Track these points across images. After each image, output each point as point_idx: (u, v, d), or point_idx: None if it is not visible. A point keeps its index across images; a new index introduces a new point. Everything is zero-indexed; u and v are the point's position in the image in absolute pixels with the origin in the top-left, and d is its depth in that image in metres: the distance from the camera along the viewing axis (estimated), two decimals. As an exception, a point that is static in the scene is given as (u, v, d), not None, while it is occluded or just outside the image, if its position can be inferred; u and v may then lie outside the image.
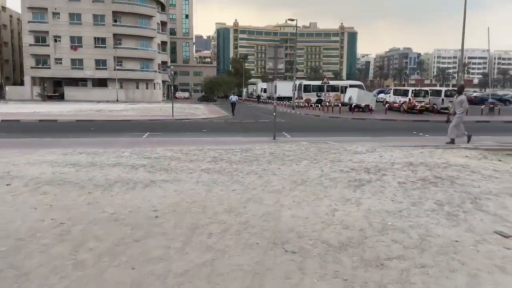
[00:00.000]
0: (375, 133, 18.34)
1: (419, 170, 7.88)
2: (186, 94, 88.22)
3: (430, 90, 33.94)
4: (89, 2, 64.88)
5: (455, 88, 35.57)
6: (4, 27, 76.56)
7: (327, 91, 43.31)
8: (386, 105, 33.03)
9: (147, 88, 71.30)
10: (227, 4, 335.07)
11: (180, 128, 20.34)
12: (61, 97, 66.11)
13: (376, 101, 36.08)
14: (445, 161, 8.98)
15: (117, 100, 63.85)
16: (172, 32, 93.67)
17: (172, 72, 25.26)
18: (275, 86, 14.42)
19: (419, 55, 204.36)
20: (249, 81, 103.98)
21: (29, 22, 63.98)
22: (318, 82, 47.86)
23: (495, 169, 8.01)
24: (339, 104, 35.34)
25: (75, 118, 24.90)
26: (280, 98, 60.30)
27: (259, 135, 16.84)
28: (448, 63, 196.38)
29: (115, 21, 66.79)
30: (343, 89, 45.04)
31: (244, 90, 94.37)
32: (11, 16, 79.25)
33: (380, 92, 52.20)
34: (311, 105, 40.72)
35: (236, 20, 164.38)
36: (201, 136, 16.58)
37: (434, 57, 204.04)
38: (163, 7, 76.48)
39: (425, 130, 19.79)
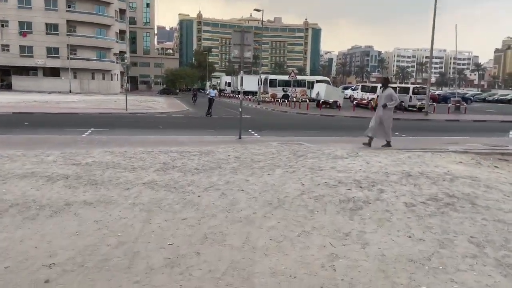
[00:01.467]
0: (347, 131, 16.89)
1: (423, 184, 6.28)
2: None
3: (398, 87, 33.18)
4: (39, -15, 60.03)
5: (424, 86, 35.37)
6: None
7: (294, 86, 41.83)
8: (354, 102, 31.97)
9: (103, 79, 67.18)
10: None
11: (132, 124, 18.01)
12: (8, 87, 60.94)
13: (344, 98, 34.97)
14: (446, 170, 7.46)
15: (70, 91, 59.68)
16: (132, 21, 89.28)
17: (126, 61, 22.70)
18: (241, 78, 12.50)
19: (379, 53, 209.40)
20: (213, 74, 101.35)
21: (-29, 4, 58.34)
22: (285, 77, 46.35)
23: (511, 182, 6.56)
24: (306, 100, 33.96)
25: (13, 110, 21.85)
26: (245, 93, 58.55)
27: (223, 133, 14.91)
28: (407, 61, 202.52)
29: (69, 6, 62.21)
30: (310, 85, 43.83)
31: (208, 83, 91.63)
32: (-49, -4, 72.21)
33: (344, 88, 51.52)
34: (277, 101, 39.16)
35: (200, 12, 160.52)
36: (155, 133, 14.41)
37: (394, 56, 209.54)
38: (122, -6, 72.34)
39: (395, 129, 18.59)
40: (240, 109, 13.12)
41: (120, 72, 70.64)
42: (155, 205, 4.95)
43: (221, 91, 72.00)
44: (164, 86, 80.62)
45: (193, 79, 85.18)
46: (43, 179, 5.97)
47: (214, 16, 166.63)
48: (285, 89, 42.79)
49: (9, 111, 21.25)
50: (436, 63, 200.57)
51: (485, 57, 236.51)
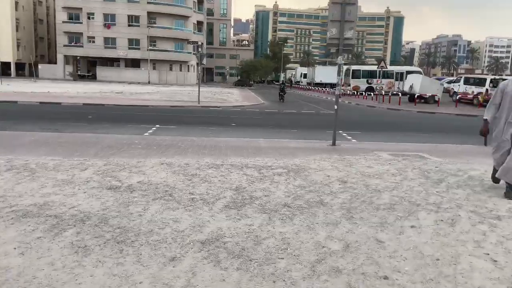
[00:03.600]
0: (465, 135, 13.24)
1: None
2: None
3: (513, 79, 27.73)
4: (123, -21, 61.59)
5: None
6: (39, 3, 74.81)
7: (380, 77, 37.59)
8: (457, 97, 27.23)
9: (180, 70, 67.73)
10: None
11: (203, 120, 15.94)
12: (93, 77, 63.87)
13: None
14: None
15: (149, 82, 60.79)
16: (210, 13, 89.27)
17: (200, 50, 20.84)
18: (339, 67, 9.69)
19: (469, 43, 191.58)
20: (287, 66, 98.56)
21: (62, -2, 61.61)
22: (369, 67, 42.18)
23: None
24: (399, 93, 29.81)
25: (86, 101, 21.08)
26: (322, 85, 55.16)
27: (307, 135, 12.17)
28: (501, 52, 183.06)
29: (150, -2, 63.22)
30: (398, 76, 39.22)
31: (282, 75, 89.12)
32: (47, -8, 77.55)
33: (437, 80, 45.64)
34: (360, 93, 35.36)
35: (276, 2, 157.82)
36: (227, 133, 12.08)
37: (486, 46, 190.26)
38: (200, -16, 72.14)
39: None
40: (335, 107, 10.23)
41: (197, 63, 70.66)
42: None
43: (296, 82, 69.17)
44: (239, 77, 79.59)
45: (267, 71, 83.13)
46: (45, 224, 3.73)
47: (288, 7, 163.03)
48: (369, 81, 38.68)
49: (79, 102, 20.46)
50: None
51: None
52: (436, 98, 27.54)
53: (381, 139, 11.84)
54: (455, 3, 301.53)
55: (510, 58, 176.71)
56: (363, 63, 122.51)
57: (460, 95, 27.90)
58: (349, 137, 11.96)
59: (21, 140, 8.73)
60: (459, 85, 30.18)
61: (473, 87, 28.31)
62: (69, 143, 8.44)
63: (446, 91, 32.79)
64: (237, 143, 9.48)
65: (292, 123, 16.20)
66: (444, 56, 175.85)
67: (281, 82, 38.15)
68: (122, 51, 63.58)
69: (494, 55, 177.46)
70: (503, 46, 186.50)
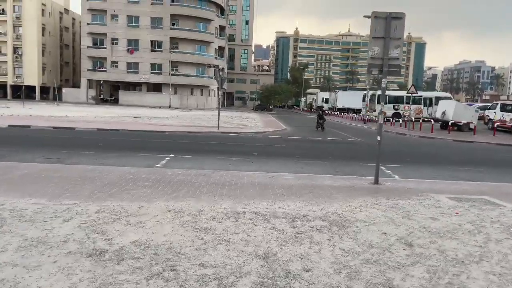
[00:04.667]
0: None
1: None
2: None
3: None
4: (147, 4, 62.50)
5: None
6: (66, 29, 76.69)
7: (407, 103, 35.88)
8: (495, 125, 25.27)
9: (201, 94, 67.56)
10: (288, 15, 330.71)
11: (222, 148, 14.65)
12: (116, 101, 64.28)
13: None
14: None
15: (170, 106, 60.63)
16: (231, 39, 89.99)
17: (221, 74, 19.83)
18: (384, 91, 8.30)
19: (493, 68, 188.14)
20: (308, 91, 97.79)
21: (88, 24, 62.85)
22: (396, 92, 40.58)
23: None
24: (431, 120, 28.01)
25: (101, 126, 20.19)
26: (343, 110, 53.64)
27: (340, 168, 10.68)
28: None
29: (173, 24, 63.83)
30: (427, 102, 37.41)
31: (303, 99, 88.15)
32: (73, 19, 79.48)
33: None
34: (387, 120, 33.66)
35: (296, 29, 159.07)
36: (248, 165, 10.71)
37: (511, 72, 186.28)
38: (222, 11, 72.62)
39: None
40: (378, 138, 8.74)
41: (218, 88, 70.38)
42: None
43: (319, 108, 67.88)
44: (259, 102, 79.01)
45: (288, 95, 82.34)
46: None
47: (309, 33, 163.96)
48: (396, 107, 36.96)
49: (96, 127, 19.56)
50: None
51: None
52: (472, 126, 25.63)
53: (426, 174, 10.24)
54: (477, 29, 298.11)
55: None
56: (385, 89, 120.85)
57: (497, 123, 25.92)
58: (388, 171, 10.40)
59: (10, 173, 7.56)
60: (495, 112, 28.22)
61: (511, 114, 26.32)
62: (64, 179, 7.20)
63: (480, 118, 30.84)
64: (261, 179, 8.08)
65: (320, 152, 14.73)
66: (467, 82, 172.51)
67: (318, 107, 34.30)
68: (144, 76, 63.97)
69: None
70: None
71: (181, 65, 63.91)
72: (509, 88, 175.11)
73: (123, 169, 8.62)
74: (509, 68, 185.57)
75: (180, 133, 19.10)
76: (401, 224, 5.06)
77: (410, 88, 28.06)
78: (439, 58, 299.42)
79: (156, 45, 63.74)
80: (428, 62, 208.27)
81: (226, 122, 27.59)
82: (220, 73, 20.33)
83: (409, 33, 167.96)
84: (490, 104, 32.90)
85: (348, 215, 5.45)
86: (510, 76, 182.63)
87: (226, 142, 16.48)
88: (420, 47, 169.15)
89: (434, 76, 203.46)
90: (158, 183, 7.23)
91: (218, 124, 21.33)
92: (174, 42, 63.83)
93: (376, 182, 8.16)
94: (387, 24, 7.68)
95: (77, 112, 32.32)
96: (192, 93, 66.58)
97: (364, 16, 33.79)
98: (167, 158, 11.05)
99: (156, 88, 65.30)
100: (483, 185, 8.51)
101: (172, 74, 62.77)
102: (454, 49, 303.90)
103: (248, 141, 17.35)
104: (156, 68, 64.06)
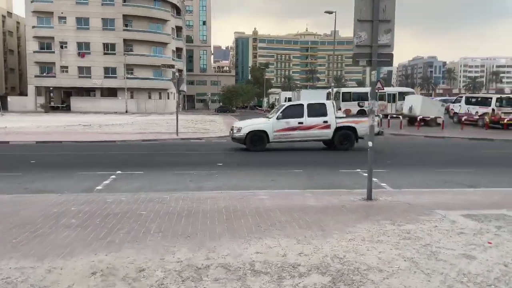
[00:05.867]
0: (503, 168, 10.56)
1: None
2: None
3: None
4: (98, 5, 58.99)
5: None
6: (10, 34, 71.39)
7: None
8: (463, 119, 24.90)
9: (160, 98, 64.72)
10: (246, 16, 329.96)
11: (181, 159, 12.83)
12: (67, 108, 60.26)
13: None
14: None
15: (127, 111, 57.60)
16: (189, 40, 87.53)
17: (177, 74, 17.96)
18: (374, 84, 6.83)
19: (444, 63, 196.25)
20: (269, 90, 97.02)
21: (33, 27, 58.41)
22: (360, 89, 40.03)
23: None
24: (399, 116, 27.34)
25: (42, 137, 17.73)
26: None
27: (320, 178, 9.21)
28: (476, 72, 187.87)
29: (126, 25, 60.66)
30: (391, 98, 37.07)
31: (265, 100, 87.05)
32: (18, 22, 74.11)
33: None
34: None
35: (255, 29, 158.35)
36: (211, 180, 9.01)
37: (461, 66, 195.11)
38: (178, 11, 70.11)
39: None
40: (370, 144, 7.26)
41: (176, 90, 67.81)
42: None
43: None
44: (221, 104, 77.20)
45: (250, 96, 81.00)
46: None
47: (267, 33, 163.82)
48: (361, 104, 36.33)
49: (36, 139, 17.11)
50: (508, 72, 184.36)
51: None
52: (439, 121, 25.15)
53: (417, 181, 8.96)
54: (427, 27, 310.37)
55: (485, 77, 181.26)
56: (344, 87, 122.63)
57: (465, 116, 25.60)
58: (374, 179, 9.00)
59: None
60: (460, 105, 28.00)
61: (477, 107, 26.12)
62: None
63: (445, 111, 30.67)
64: (229, 201, 6.40)
65: (292, 157, 13.24)
66: (421, 77, 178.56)
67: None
68: (97, 80, 60.43)
69: (469, 74, 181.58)
70: (477, 66, 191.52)
71: (136, 68, 60.93)
72: (460, 81, 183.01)
73: (50, 198, 6.66)
74: (459, 63, 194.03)
75: (133, 142, 17.02)
76: (431, 273, 3.57)
77: (376, 84, 27.27)
78: (395, 55, 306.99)
79: (109, 48, 60.35)
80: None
81: (187, 126, 25.66)
82: (176, 74, 18.44)
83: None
84: (450, 98, 32.83)
85: (354, 258, 3.90)
86: (460, 70, 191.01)
87: (186, 151, 14.65)
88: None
89: (390, 72, 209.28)
90: (90, 218, 5.38)
91: (177, 130, 19.38)
92: (128, 44, 60.76)
93: (369, 197, 6.70)
94: (375, 3, 6.23)
95: (21, 122, 29.25)
96: (150, 97, 63.71)
97: (326, 12, 32.96)
98: (112, 177, 9.12)
99: (111, 93, 61.89)
100: (490, 193, 7.26)
101: (128, 78, 59.69)
102: (408, 46, 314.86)
103: (212, 148, 15.61)
104: (110, 71, 60.67)
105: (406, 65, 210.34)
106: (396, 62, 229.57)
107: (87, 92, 62.45)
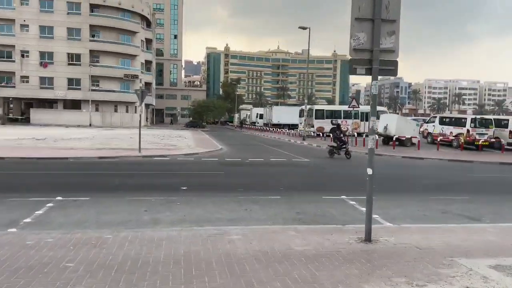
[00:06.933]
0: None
1: None
2: None
3: (494, 119, 25.61)
4: (63, 14, 56.42)
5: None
6: (-34, 40, 67.23)
7: (345, 118, 34.78)
8: (438, 139, 24.42)
9: (127, 111, 62.14)
10: (218, 32, 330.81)
11: (139, 181, 11.20)
12: (27, 121, 56.71)
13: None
14: None
15: (90, 125, 54.79)
16: (159, 53, 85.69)
17: (141, 85, 16.37)
18: (374, 98, 5.53)
19: (409, 84, 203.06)
20: (241, 106, 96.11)
21: (-8, 34, 55.10)
22: (333, 107, 39.51)
23: None
24: (376, 136, 26.63)
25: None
26: (278, 125, 51.96)
27: (301, 206, 7.87)
28: (439, 93, 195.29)
29: (93, 36, 58.27)
30: (364, 116, 36.62)
31: (236, 115, 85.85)
32: (-24, 28, 70.14)
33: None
34: (327, 135, 32.14)
35: (227, 45, 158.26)
36: (171, 208, 7.49)
37: (425, 87, 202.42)
38: (148, 23, 68.38)
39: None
40: (369, 172, 5.89)
41: (145, 104, 65.60)
42: None
43: (252, 123, 65.81)
44: (191, 118, 75.30)
45: (221, 111, 79.52)
46: None
47: (241, 49, 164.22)
48: (334, 122, 35.66)
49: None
50: (469, 94, 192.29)
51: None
52: (415, 141, 24.59)
53: (413, 211, 7.79)
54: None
55: (448, 98, 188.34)
56: (314, 104, 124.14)
57: (441, 137, 25.16)
58: (363, 209, 7.78)
59: None
60: (433, 125, 27.66)
61: (451, 127, 25.78)
62: None
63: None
64: (190, 246, 4.91)
65: (267, 180, 11.87)
66: (388, 97, 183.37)
67: (335, 124, 22.32)
68: (60, 92, 57.38)
69: (433, 96, 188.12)
70: (440, 88, 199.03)
71: (103, 80, 58.39)
72: (425, 102, 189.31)
73: None
74: (424, 84, 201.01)
75: (88, 159, 15.15)
76: None
77: (351, 101, 26.62)
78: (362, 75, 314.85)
79: (74, 58, 57.60)
80: (353, 79, 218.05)
81: (152, 142, 23.90)
82: (141, 84, 16.85)
83: (334, 51, 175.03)
84: (419, 118, 32.60)
85: None
86: (425, 92, 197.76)
87: (147, 171, 12.99)
88: (345, 64, 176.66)
89: (358, 92, 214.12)
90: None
91: (140, 146, 17.62)
92: (95, 55, 58.26)
93: (368, 239, 5.37)
94: (376, 0, 5.04)
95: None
96: (116, 110, 61.05)
97: (300, 27, 32.30)
98: (49, 204, 7.41)
99: (75, 105, 58.89)
100: (504, 231, 6.11)
101: (93, 90, 57.01)
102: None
103: (176, 168, 14.00)
104: (74, 83, 57.78)
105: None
106: (364, 81, 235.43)
107: (49, 103, 59.16)
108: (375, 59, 5.10)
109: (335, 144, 19.62)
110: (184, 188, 9.73)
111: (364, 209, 7.84)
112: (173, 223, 6.37)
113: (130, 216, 6.84)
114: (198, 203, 8.07)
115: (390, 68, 5.24)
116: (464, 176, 14.03)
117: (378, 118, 30.94)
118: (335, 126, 20.92)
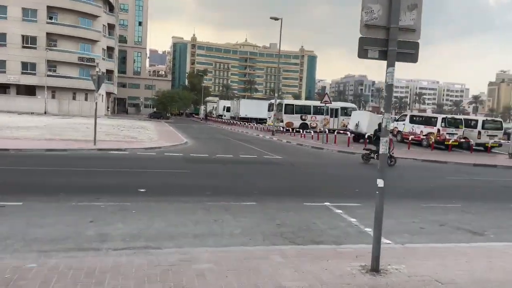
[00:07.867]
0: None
1: None
2: None
3: (464, 119, 25.59)
4: (18, -8, 52.40)
5: (496, 119, 27.60)
6: None
7: (314, 113, 34.06)
8: (410, 138, 24.06)
9: (86, 99, 58.76)
10: (185, 22, 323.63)
11: (88, 180, 9.65)
12: (-26, 107, 52.42)
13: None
14: None
15: (46, 113, 51.34)
16: (123, 40, 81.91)
17: (98, 69, 14.63)
18: (389, 87, 4.31)
19: (373, 82, 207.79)
20: (207, 98, 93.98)
21: None
22: (303, 102, 38.73)
23: None
24: (347, 132, 25.90)
25: None
26: (246, 119, 50.67)
27: (282, 217, 6.71)
28: (401, 92, 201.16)
29: (51, 18, 54.46)
30: (333, 112, 36.04)
31: (202, 107, 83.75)
32: None
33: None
34: (298, 131, 31.29)
35: (194, 35, 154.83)
36: (125, 218, 6.13)
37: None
38: (111, 8, 64.92)
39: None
40: (380, 184, 4.69)
41: (106, 93, 62.34)
42: None
43: (219, 116, 64.17)
44: (155, 109, 72.60)
45: (186, 103, 77.18)
46: None
47: (208, 40, 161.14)
48: (303, 117, 34.87)
49: None
50: (429, 94, 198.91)
51: (475, 89, 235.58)
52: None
53: (408, 223, 6.81)
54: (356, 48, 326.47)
55: (409, 98, 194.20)
56: (281, 99, 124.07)
57: (411, 136, 24.83)
58: (352, 219, 6.71)
59: None
60: (403, 124, 27.37)
61: (422, 126, 25.53)
62: None
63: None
64: (143, 284, 3.63)
65: (239, 181, 10.62)
66: (352, 94, 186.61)
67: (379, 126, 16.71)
68: (13, 76, 53.32)
69: (395, 94, 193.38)
70: (402, 87, 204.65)
71: (60, 65, 54.81)
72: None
73: None
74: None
75: (32, 151, 13.27)
76: None
77: (324, 96, 25.79)
78: (328, 71, 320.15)
79: (29, 41, 53.62)
80: (319, 75, 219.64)
81: (110, 133, 22.03)
82: (97, 69, 15.10)
83: (302, 47, 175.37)
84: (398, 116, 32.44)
85: None
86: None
87: (100, 168, 11.38)
88: (312, 60, 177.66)
89: (323, 88, 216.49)
90: None
91: (95, 138, 15.83)
92: (52, 38, 54.54)
93: (376, 269, 4.24)
94: (396, -38, 3.89)
95: None
96: (74, 98, 57.60)
97: (271, 18, 31.07)
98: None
99: (29, 91, 54.97)
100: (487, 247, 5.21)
101: (49, 75, 53.37)
102: (341, 63, 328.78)
103: (135, 164, 12.48)
104: (29, 67, 53.86)
105: (339, 82, 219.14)
106: (330, 78, 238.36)
107: (1, 89, 54.92)
108: (393, 39, 3.96)
109: (373, 147, 16.84)
110: (143, 190, 8.29)
111: (353, 219, 6.80)
112: (125, 240, 5.03)
113: (70, 229, 5.42)
114: (158, 211, 6.70)
115: (410, 51, 4.12)
116: (444, 179, 13.38)
117: (349, 115, 30.45)
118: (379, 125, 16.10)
